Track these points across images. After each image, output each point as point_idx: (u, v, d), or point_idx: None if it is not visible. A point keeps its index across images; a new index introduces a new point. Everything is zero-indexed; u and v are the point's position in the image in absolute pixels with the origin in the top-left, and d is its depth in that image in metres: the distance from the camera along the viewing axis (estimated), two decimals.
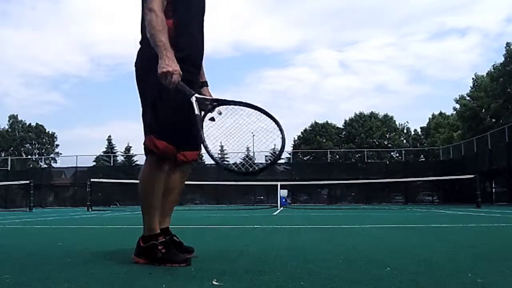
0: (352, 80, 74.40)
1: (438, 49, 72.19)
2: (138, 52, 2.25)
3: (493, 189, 23.24)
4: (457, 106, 36.94)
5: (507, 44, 30.97)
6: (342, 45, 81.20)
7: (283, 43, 77.74)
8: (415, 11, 72.78)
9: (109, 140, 45.71)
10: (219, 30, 58.66)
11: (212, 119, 2.05)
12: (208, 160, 19.98)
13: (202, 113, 2.01)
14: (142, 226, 2.18)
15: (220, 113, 2.05)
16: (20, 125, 52.74)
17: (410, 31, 74.99)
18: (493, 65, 32.55)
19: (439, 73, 74.13)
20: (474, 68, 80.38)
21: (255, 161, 2.37)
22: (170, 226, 2.41)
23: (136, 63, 2.24)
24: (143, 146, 2.18)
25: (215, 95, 2.33)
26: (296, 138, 50.64)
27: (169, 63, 1.93)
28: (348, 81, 74.04)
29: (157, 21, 2.01)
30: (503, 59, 31.07)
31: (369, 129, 48.00)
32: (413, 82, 75.50)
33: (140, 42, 2.24)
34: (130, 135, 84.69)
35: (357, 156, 37.07)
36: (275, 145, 1.96)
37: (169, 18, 2.11)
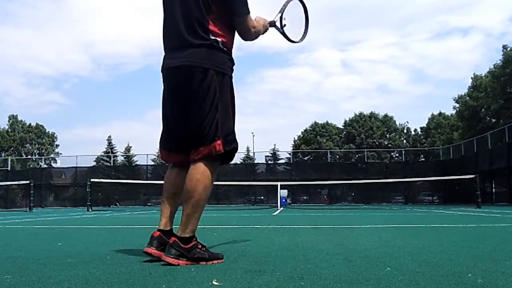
0: (354, 79, 74.58)
1: (440, 49, 72.39)
2: (211, 53, 2.24)
3: (493, 189, 23.23)
4: (457, 105, 36.99)
5: (504, 46, 31.03)
6: (344, 45, 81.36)
7: (285, 42, 77.61)
8: (417, 11, 72.96)
9: (109, 140, 45.72)
10: None
11: (284, 25, 2.64)
12: None
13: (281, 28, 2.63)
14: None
15: (284, 23, 2.62)
16: (20, 125, 52.75)
17: (413, 31, 75.17)
18: (494, 64, 32.60)
19: (441, 72, 74.30)
20: (476, 68, 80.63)
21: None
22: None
23: (213, 67, 2.23)
24: (209, 151, 2.19)
25: None
26: (296, 138, 50.68)
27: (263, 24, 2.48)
28: (349, 80, 74.23)
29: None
30: (501, 62, 31.11)
31: (369, 129, 48.01)
32: (415, 81, 75.68)
33: (212, 45, 2.25)
34: (130, 135, 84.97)
35: (357, 156, 37.08)
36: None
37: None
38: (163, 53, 2.40)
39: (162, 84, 2.39)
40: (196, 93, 2.21)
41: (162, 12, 2.43)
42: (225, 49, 2.31)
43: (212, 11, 2.25)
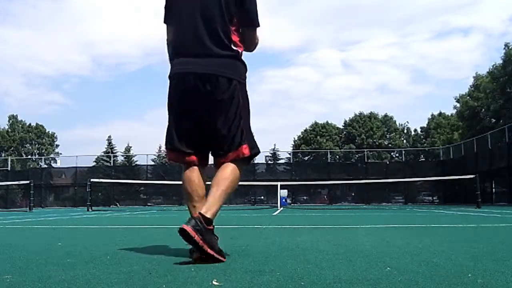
0: (354, 79, 74.68)
1: (441, 49, 72.52)
2: (228, 63, 2.33)
3: (493, 189, 23.21)
4: (457, 105, 36.98)
5: (506, 45, 31.01)
6: (344, 45, 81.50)
7: (286, 42, 78.01)
8: (418, 11, 73.04)
9: (109, 140, 45.77)
10: None
11: None
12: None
13: None
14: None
15: None
16: (20, 125, 52.75)
17: (413, 31, 75.35)
18: (493, 65, 32.61)
19: (441, 72, 74.40)
20: (476, 67, 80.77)
21: None
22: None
23: (227, 77, 2.31)
24: (237, 155, 2.35)
25: None
26: (296, 138, 50.67)
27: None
28: (350, 80, 74.32)
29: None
30: (502, 61, 31.09)
31: (369, 129, 48.00)
32: (415, 82, 75.75)
33: (236, 56, 2.36)
34: (130, 135, 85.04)
35: (357, 156, 37.09)
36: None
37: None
38: (173, 57, 2.40)
39: (174, 86, 2.37)
40: (221, 102, 2.29)
41: (172, 15, 2.40)
42: (243, 59, 2.41)
43: (234, 22, 2.33)
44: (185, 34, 2.35)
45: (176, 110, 2.39)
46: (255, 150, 2.43)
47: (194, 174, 2.39)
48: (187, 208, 2.44)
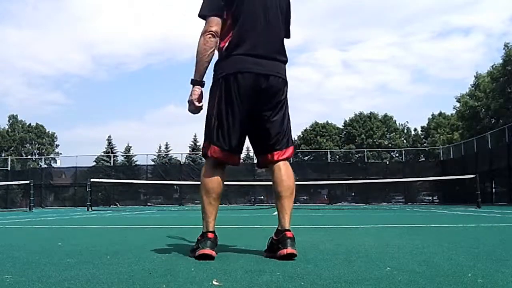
0: (355, 79, 74.65)
1: (441, 49, 72.52)
2: (284, 68, 2.52)
3: (493, 189, 23.18)
4: (458, 104, 36.98)
5: (505, 45, 31.05)
6: (345, 45, 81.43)
7: (286, 42, 78.10)
8: (418, 10, 73.00)
9: (109, 140, 45.78)
10: None
11: None
12: None
13: None
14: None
15: None
16: (20, 125, 52.74)
17: (413, 30, 75.28)
18: (492, 66, 32.63)
19: (442, 72, 74.37)
20: (477, 67, 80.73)
21: None
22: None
23: (284, 79, 2.50)
24: (289, 153, 2.63)
25: None
26: (296, 138, 50.66)
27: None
28: (350, 80, 74.28)
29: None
30: (501, 60, 31.10)
31: (369, 129, 47.99)
32: (416, 81, 75.74)
33: (286, 63, 2.55)
34: (130, 135, 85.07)
35: (357, 156, 37.06)
36: None
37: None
38: (231, 53, 2.38)
39: (240, 85, 2.35)
40: (280, 103, 2.48)
41: (242, 14, 2.38)
42: None
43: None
44: (255, 35, 2.40)
45: (233, 108, 2.37)
46: (294, 150, 2.67)
47: (218, 173, 2.46)
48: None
